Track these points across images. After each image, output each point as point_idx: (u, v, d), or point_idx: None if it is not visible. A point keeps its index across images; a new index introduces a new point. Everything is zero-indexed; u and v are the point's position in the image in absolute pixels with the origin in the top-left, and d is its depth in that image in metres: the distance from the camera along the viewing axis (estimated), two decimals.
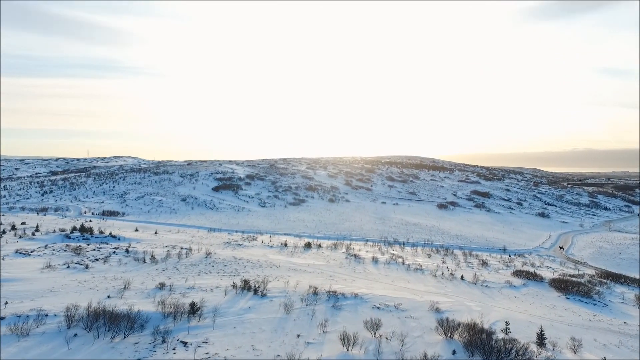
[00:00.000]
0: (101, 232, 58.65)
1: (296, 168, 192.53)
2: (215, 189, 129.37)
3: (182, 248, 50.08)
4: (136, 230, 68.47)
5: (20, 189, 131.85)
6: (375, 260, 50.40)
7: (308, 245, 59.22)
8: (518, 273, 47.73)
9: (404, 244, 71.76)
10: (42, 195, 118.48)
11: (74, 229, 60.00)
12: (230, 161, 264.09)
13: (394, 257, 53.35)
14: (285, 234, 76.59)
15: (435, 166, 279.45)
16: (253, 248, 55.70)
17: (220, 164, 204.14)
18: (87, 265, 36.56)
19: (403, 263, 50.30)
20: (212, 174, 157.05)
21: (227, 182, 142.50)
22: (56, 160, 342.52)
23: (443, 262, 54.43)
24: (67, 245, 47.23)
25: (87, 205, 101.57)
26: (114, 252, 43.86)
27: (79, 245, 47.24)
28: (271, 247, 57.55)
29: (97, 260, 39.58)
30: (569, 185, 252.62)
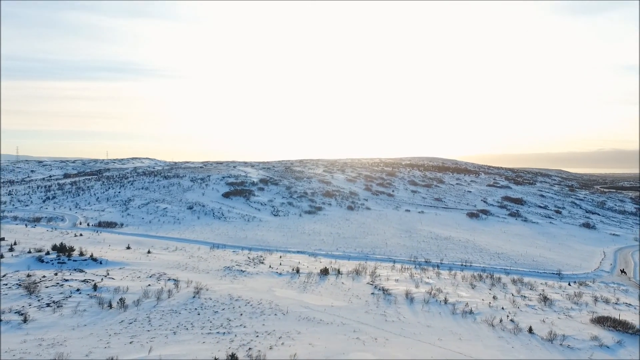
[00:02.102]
0: (81, 254, 49.82)
1: (313, 171, 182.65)
2: (226, 195, 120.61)
3: (168, 279, 40.60)
4: (127, 247, 59.64)
5: (25, 194, 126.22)
6: (409, 298, 39.79)
7: (325, 272, 48.99)
8: (601, 321, 36.23)
9: (438, 266, 60.70)
10: (44, 201, 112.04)
11: (54, 248, 51.56)
12: (245, 163, 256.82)
13: (432, 292, 42.57)
14: (298, 252, 66.61)
15: (459, 168, 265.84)
16: (258, 277, 45.83)
17: (234, 167, 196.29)
18: (26, 317, 27.22)
19: (445, 301, 39.50)
20: (223, 177, 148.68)
21: (239, 187, 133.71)
22: (73, 162, 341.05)
23: (494, 298, 43.32)
24: (28, 275, 38.37)
25: (86, 213, 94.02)
26: (78, 290, 34.53)
27: (43, 276, 38.32)
28: (280, 274, 47.56)
29: (48, 305, 30.33)
30: (606, 190, 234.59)
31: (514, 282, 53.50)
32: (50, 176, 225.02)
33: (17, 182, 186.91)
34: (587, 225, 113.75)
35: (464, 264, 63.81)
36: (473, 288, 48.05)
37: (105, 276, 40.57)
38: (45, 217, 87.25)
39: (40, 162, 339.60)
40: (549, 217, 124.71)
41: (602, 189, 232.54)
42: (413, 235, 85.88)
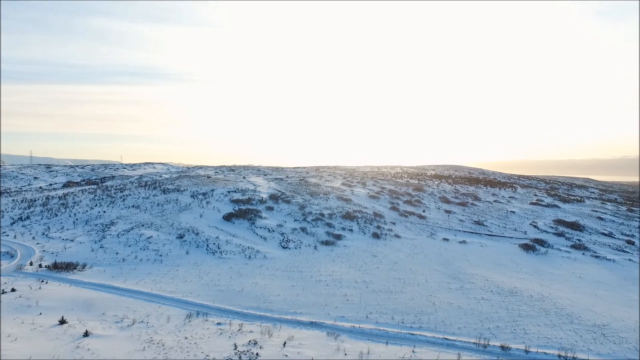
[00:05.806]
0: None
1: (330, 184, 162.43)
2: (227, 218, 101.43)
3: None
4: (60, 321, 40.43)
5: (1, 211, 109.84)
6: None
7: None
8: None
9: None
10: (12, 223, 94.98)
11: None
12: (258, 170, 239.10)
13: None
14: (311, 324, 46.29)
15: (490, 180, 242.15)
16: None
17: (243, 177, 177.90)
18: None
19: None
20: (229, 192, 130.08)
21: (245, 205, 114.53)
22: (82, 167, 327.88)
23: None
24: None
25: (49, 244, 75.99)
26: None
27: None
28: None
29: None
30: None
31: None
32: (50, 184, 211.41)
33: (14, 192, 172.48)
34: None
35: (561, 354, 42.24)
36: None
37: None
38: None
39: (48, 167, 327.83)
40: (623, 251, 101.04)
41: None
42: (465, 285, 64.46)
